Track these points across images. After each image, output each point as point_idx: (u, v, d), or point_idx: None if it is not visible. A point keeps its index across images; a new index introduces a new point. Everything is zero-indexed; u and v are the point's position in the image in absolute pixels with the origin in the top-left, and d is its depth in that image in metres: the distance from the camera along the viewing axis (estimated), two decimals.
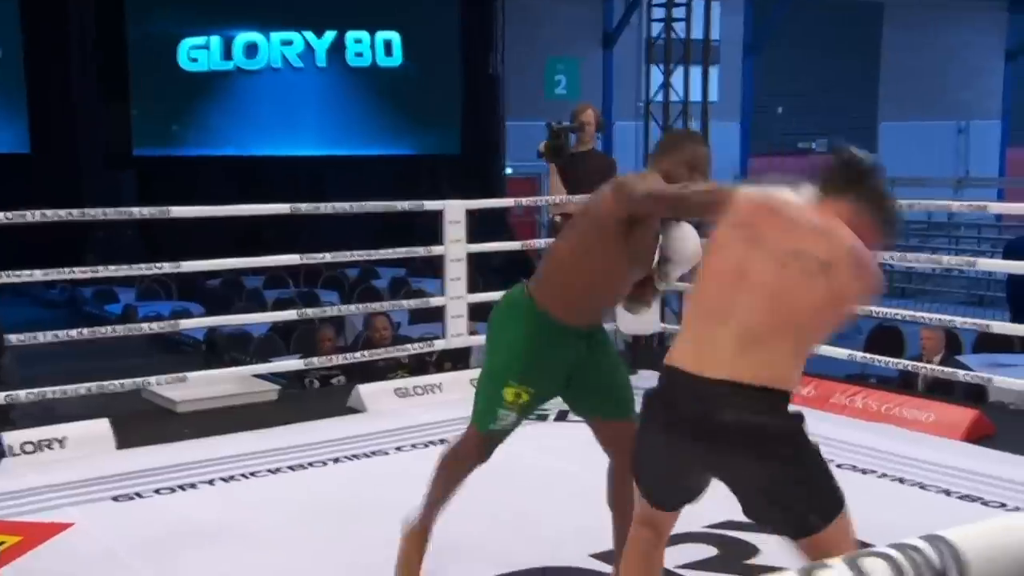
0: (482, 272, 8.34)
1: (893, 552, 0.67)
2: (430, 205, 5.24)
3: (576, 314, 2.65)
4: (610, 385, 2.80)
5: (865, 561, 0.66)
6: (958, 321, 4.97)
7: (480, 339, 5.81)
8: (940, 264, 5.38)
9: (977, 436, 4.65)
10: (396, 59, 14.93)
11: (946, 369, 5.80)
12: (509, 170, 14.96)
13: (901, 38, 18.65)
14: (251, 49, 14.09)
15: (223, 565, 3.18)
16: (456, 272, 5.20)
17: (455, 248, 5.18)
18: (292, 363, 5.41)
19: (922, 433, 4.76)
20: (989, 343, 7.59)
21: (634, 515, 2.32)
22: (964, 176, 18.00)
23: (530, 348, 2.64)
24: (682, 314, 2.11)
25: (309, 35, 14.35)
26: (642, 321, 5.67)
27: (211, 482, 3.90)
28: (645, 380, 5.58)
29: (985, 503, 3.79)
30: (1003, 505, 3.75)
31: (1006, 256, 9.28)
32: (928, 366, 6.06)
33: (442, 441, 4.59)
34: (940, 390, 5.96)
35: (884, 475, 4.18)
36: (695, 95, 11.82)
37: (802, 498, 2.04)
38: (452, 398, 5.18)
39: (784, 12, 17.02)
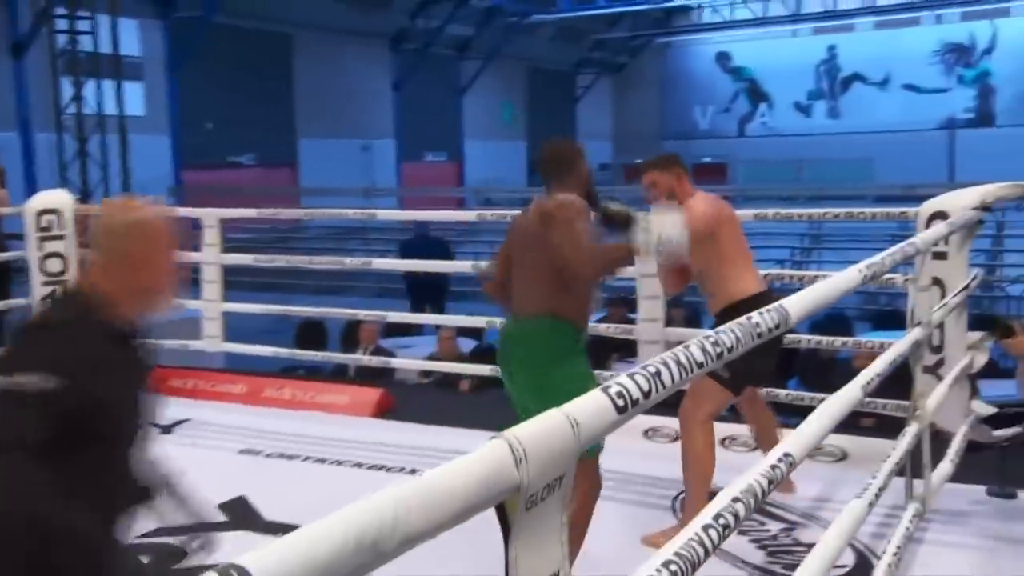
0: None
1: None
2: None
3: (585, 317, 2.69)
4: None
5: None
6: (362, 314, 5.25)
7: None
8: (344, 266, 5.65)
9: (383, 411, 4.97)
10: None
11: (362, 357, 6.13)
12: None
13: (310, 66, 19.46)
14: None
15: None
16: None
17: None
18: None
19: (340, 414, 4.96)
20: (397, 328, 8.22)
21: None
22: (371, 187, 19.37)
23: (582, 355, 2.66)
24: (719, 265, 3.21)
25: None
26: None
27: None
28: None
29: (389, 470, 4.06)
30: (402, 469, 4.05)
31: (402, 255, 10.11)
32: (340, 356, 6.35)
33: None
34: (370, 374, 6.29)
35: (308, 458, 4.26)
36: (117, 109, 10.97)
37: None
38: None
39: (202, 34, 16.65)
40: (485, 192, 20.81)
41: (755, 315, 1.44)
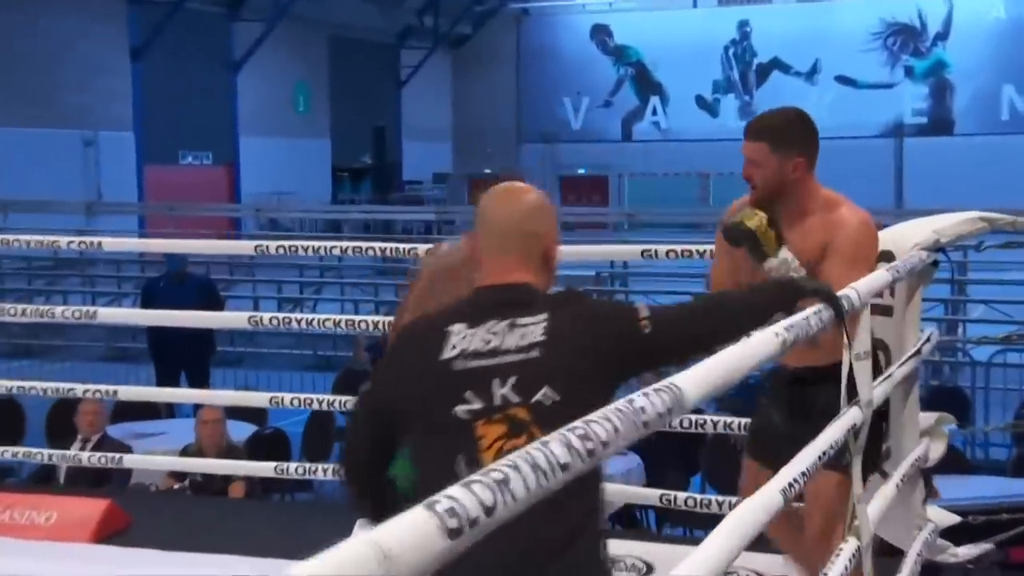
0: None
1: None
2: None
3: None
4: None
5: None
6: (79, 388, 5.07)
7: None
8: (54, 317, 5.45)
9: (110, 533, 4.81)
10: None
11: (80, 454, 5.90)
12: None
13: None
14: None
15: None
16: None
17: None
18: None
19: (44, 540, 4.76)
20: (135, 408, 7.96)
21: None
22: (97, 199, 18.79)
23: None
24: None
25: None
26: None
27: None
28: None
29: None
30: None
31: (144, 299, 9.80)
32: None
33: None
34: (92, 479, 6.05)
35: None
36: None
37: None
38: None
39: None
40: (270, 210, 20.55)
41: (637, 397, 1.49)
